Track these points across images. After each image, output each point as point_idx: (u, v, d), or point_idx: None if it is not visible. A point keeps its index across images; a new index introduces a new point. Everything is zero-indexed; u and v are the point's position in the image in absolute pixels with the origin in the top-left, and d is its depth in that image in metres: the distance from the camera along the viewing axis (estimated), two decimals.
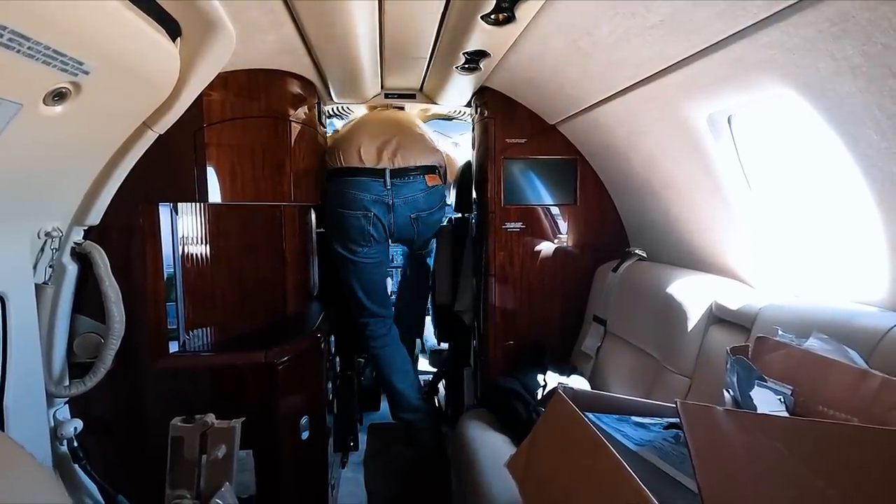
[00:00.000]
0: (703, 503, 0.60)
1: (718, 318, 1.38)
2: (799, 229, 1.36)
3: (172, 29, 1.12)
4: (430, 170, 2.21)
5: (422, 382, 2.86)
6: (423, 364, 3.59)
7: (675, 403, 0.69)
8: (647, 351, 1.65)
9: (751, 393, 0.98)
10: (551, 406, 1.13)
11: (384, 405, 3.12)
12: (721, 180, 1.42)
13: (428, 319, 3.54)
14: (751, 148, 1.38)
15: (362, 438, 2.73)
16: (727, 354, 1.06)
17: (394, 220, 2.16)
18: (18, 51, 0.76)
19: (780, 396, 0.97)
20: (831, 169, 1.17)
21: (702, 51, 1.13)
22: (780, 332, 1.10)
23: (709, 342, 1.38)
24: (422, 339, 3.61)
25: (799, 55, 0.95)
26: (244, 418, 1.23)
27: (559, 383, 1.23)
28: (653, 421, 1.05)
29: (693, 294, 1.47)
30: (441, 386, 3.09)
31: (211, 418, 1.21)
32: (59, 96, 0.93)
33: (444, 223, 2.50)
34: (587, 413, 1.10)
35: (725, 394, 1.08)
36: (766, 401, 0.96)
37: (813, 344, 1.03)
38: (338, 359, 2.25)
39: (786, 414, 0.94)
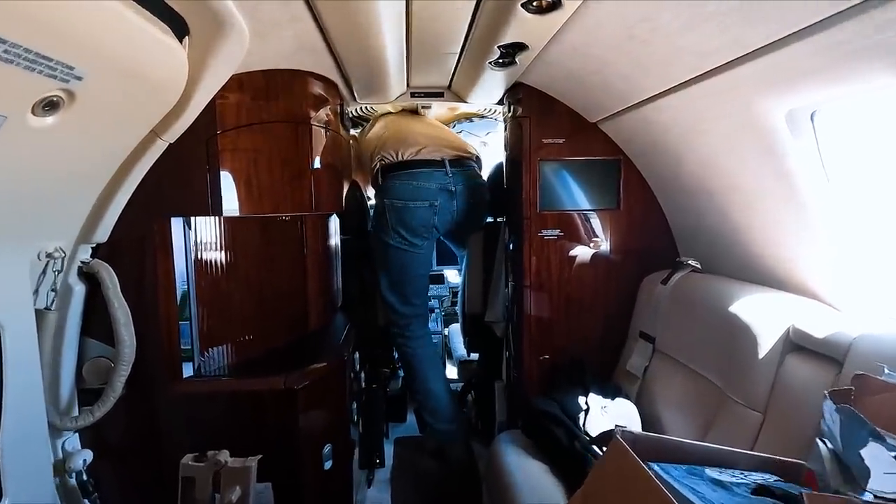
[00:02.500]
0: None
1: (797, 345, 1.20)
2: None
3: (179, 28, 1.01)
4: (476, 161, 2.35)
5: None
6: (451, 372, 3.46)
7: (801, 497, 0.53)
8: (705, 376, 1.47)
9: (862, 451, 0.81)
10: (609, 454, 0.98)
11: (411, 417, 3.01)
12: (798, 185, 1.24)
13: (456, 327, 3.42)
14: (835, 148, 1.19)
15: (388, 450, 2.62)
16: (826, 398, 0.88)
17: (457, 207, 2.19)
18: None
19: None
20: None
21: (788, 36, 0.95)
22: (886, 371, 0.92)
23: (786, 373, 1.19)
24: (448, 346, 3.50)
25: None
26: (260, 456, 1.13)
27: (616, 426, 1.08)
28: (735, 478, 0.89)
29: (765, 315, 1.29)
30: (470, 398, 2.96)
31: (224, 456, 1.10)
32: (49, 106, 0.82)
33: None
34: (651, 464, 0.94)
35: (820, 445, 0.90)
36: (883, 461, 0.79)
37: None
38: (363, 374, 2.14)
39: None
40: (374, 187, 2.33)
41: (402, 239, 2.17)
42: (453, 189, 2.16)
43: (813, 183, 1.21)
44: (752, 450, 1.21)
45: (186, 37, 1.04)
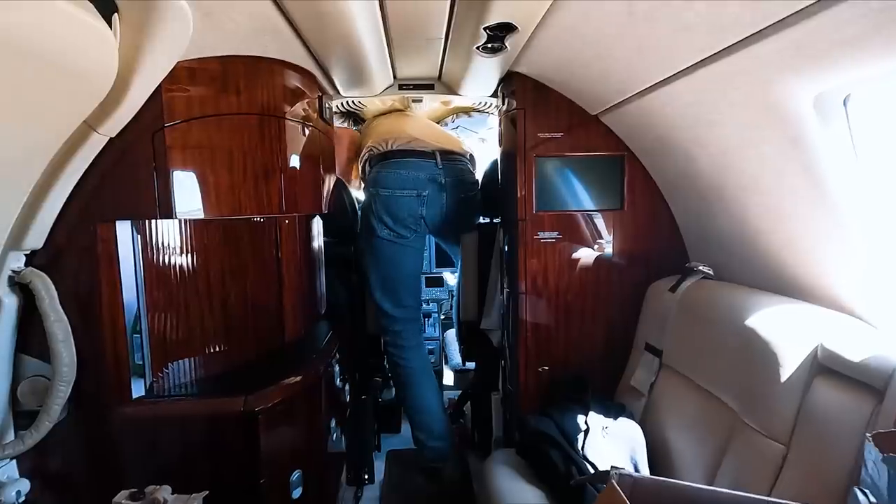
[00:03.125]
0: None
1: (827, 367, 1.03)
2: None
3: (104, 4, 0.87)
4: (469, 159, 2.30)
5: (446, 402, 2.64)
6: (448, 379, 3.32)
7: None
8: (718, 397, 1.31)
9: None
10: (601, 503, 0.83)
11: (406, 428, 2.87)
12: (827, 181, 1.07)
13: (452, 333, 3.27)
14: (871, 138, 1.03)
15: (381, 465, 2.48)
16: (868, 442, 0.72)
17: (446, 200, 2.12)
18: None
19: None
20: None
21: (820, 1, 0.79)
22: None
23: (814, 400, 1.03)
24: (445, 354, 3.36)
25: None
26: (206, 492, 0.99)
27: (612, 467, 0.93)
28: None
29: (788, 330, 1.12)
30: (466, 409, 2.81)
31: (164, 493, 0.97)
32: None
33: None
34: None
35: (859, 495, 0.74)
36: None
37: None
38: (347, 385, 2.00)
39: None
40: (362, 180, 2.26)
41: (390, 230, 2.09)
42: (443, 181, 2.08)
43: (845, 179, 1.05)
44: (773, 487, 1.05)
45: (115, 15, 0.91)
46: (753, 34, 0.93)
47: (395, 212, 2.07)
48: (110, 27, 0.89)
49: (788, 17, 0.85)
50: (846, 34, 0.81)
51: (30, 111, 0.88)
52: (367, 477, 2.28)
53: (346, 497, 2.11)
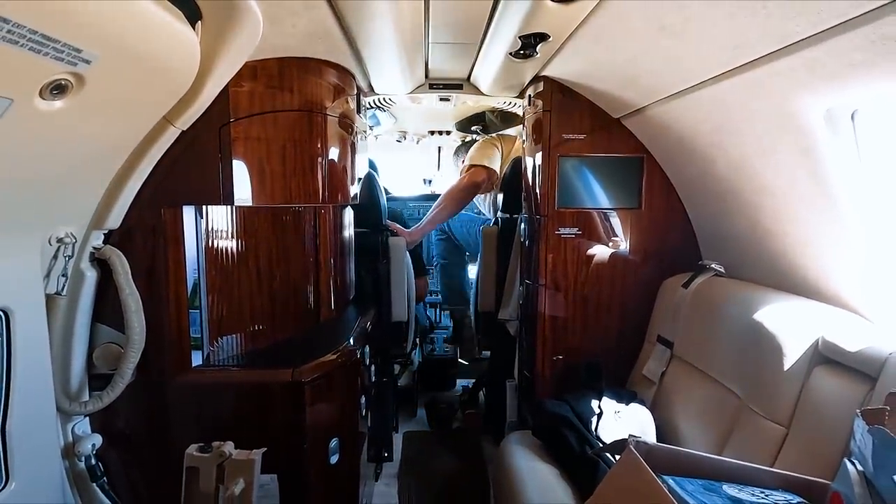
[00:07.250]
0: None
1: (827, 357, 1.13)
2: None
3: (191, 12, 0.99)
4: None
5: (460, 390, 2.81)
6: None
7: None
8: (725, 385, 1.41)
9: None
10: (621, 466, 0.94)
11: (420, 411, 3.01)
12: (834, 189, 1.16)
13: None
14: (876, 149, 1.12)
15: (398, 442, 2.62)
16: (857, 417, 0.83)
17: None
18: None
19: None
20: None
21: (834, 27, 0.88)
22: None
23: (813, 386, 1.13)
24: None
25: None
26: (265, 449, 1.11)
27: (630, 435, 1.03)
28: (755, 497, 0.84)
29: (793, 324, 1.22)
30: (481, 395, 2.93)
31: (229, 448, 1.09)
32: (58, 89, 0.81)
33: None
34: (665, 477, 0.90)
35: (849, 466, 0.85)
36: None
37: None
38: (373, 367, 2.12)
39: None
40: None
41: None
42: None
43: (851, 187, 1.14)
44: (772, 466, 1.16)
45: (199, 22, 1.02)
46: (772, 52, 1.02)
47: None
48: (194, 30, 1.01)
49: (804, 39, 0.94)
50: (855, 57, 0.91)
51: (124, 106, 1.00)
52: (386, 454, 2.42)
53: (367, 472, 2.24)
